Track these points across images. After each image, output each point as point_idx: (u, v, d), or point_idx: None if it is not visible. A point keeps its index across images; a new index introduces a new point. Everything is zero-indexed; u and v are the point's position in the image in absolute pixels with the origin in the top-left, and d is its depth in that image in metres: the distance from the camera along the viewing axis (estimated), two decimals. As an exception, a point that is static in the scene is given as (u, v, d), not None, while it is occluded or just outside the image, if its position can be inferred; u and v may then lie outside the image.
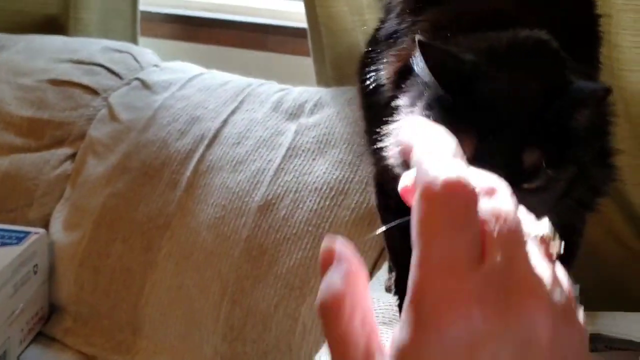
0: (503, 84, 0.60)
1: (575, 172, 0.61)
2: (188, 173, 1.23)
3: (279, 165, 1.19)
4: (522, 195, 0.52)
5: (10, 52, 1.52)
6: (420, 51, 0.58)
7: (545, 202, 0.59)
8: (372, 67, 0.77)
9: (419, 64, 0.59)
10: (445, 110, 0.58)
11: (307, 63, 1.49)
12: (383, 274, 0.95)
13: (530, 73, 0.61)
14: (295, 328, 1.06)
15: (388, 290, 0.87)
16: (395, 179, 0.54)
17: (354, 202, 1.10)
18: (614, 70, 0.96)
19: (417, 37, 0.59)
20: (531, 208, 0.46)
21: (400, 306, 0.76)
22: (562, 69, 0.62)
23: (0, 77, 1.46)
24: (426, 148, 0.32)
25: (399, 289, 0.80)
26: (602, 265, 1.08)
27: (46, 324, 1.29)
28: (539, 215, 0.47)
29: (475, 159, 0.54)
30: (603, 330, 0.90)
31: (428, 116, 0.59)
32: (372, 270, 1.03)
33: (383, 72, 0.75)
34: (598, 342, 0.86)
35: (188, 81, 1.41)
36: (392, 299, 0.83)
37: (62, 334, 1.27)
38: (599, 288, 1.11)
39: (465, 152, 0.39)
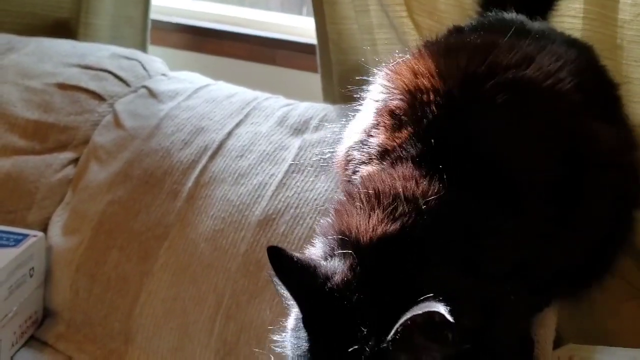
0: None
1: None
2: (189, 184, 1.23)
3: (281, 180, 1.18)
4: None
5: (20, 54, 1.52)
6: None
7: None
8: None
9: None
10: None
11: (314, 79, 1.49)
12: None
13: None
14: (289, 346, 1.05)
15: None
16: None
17: (355, 221, 1.08)
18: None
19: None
20: None
21: None
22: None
23: (8, 79, 1.46)
24: None
25: None
26: (603, 301, 1.07)
27: (39, 328, 1.28)
28: None
29: None
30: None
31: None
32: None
33: None
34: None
35: (195, 92, 1.41)
36: None
37: (54, 339, 1.26)
38: (600, 323, 1.10)
39: None
